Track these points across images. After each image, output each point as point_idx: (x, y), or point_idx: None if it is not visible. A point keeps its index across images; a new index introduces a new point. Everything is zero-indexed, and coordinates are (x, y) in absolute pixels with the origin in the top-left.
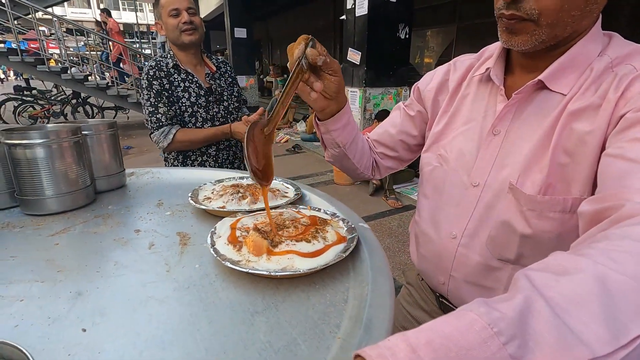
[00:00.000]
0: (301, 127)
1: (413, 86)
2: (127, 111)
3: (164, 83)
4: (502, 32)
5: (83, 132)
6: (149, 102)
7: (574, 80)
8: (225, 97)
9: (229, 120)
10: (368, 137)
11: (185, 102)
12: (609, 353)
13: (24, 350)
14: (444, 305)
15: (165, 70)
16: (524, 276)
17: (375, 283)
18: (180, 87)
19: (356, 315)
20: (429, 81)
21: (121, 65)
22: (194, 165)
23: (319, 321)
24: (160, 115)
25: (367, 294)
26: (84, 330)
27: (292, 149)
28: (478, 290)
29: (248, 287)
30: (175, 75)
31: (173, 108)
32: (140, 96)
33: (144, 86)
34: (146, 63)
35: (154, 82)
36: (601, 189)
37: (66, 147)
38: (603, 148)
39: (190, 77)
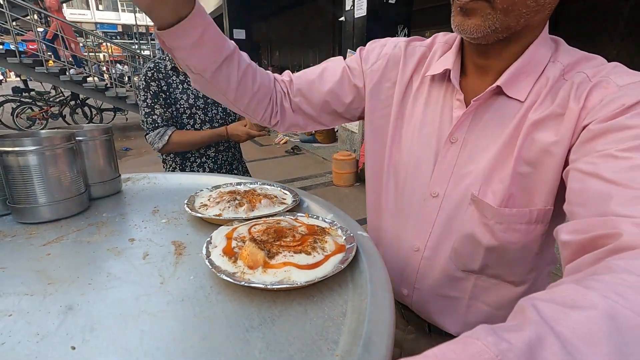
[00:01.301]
0: None
1: (358, 51)
2: (125, 112)
3: (162, 85)
4: (455, 15)
5: (77, 138)
6: (145, 104)
7: (529, 86)
8: None
9: (228, 122)
10: (283, 79)
11: (183, 104)
12: None
13: None
14: (407, 315)
15: (164, 72)
16: (531, 306)
17: (375, 296)
18: (179, 89)
19: (355, 330)
20: (374, 59)
21: (72, 47)
22: (193, 167)
23: (316, 337)
24: (156, 116)
25: (366, 308)
26: (73, 348)
27: (291, 150)
28: (443, 300)
29: (244, 301)
30: (174, 77)
31: (170, 110)
32: (137, 98)
33: (141, 87)
34: (144, 65)
35: (152, 84)
36: (580, 211)
37: (59, 154)
38: (567, 158)
39: (188, 79)
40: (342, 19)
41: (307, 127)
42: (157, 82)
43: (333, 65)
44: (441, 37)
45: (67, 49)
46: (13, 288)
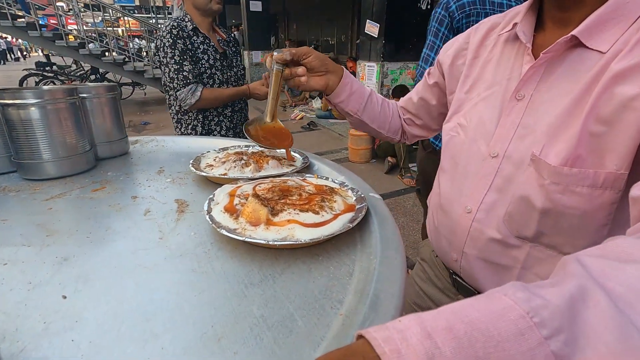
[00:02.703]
0: (316, 104)
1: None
2: (144, 87)
3: (187, 43)
4: None
5: (81, 95)
6: (173, 60)
7: (616, 35)
8: (234, 63)
9: (239, 84)
10: (398, 103)
11: (204, 64)
12: None
13: None
14: (457, 282)
15: (185, 31)
16: (575, 261)
17: (385, 256)
18: (200, 49)
19: (362, 290)
20: (449, 47)
21: None
22: (211, 125)
23: (319, 295)
24: (186, 72)
25: (375, 267)
26: (64, 297)
27: (307, 126)
28: (492, 268)
29: (245, 258)
30: (195, 38)
31: (195, 67)
32: (159, 60)
33: (167, 45)
34: (164, 23)
35: (178, 41)
36: None
37: (62, 109)
38: None
39: (207, 41)
40: None
41: (427, 135)
42: (182, 40)
43: (421, 80)
44: (516, 7)
45: None
46: (12, 239)
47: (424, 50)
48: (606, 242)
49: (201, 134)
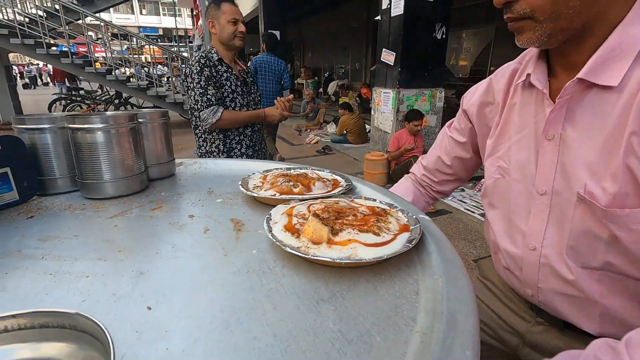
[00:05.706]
0: (331, 128)
1: (461, 104)
2: None
3: (212, 71)
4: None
5: (138, 120)
6: (199, 85)
7: (622, 70)
8: (252, 90)
9: (257, 107)
10: (421, 173)
11: (227, 89)
12: None
13: (99, 323)
14: (537, 308)
15: (212, 61)
16: None
17: (449, 275)
18: (224, 76)
19: (433, 309)
20: (471, 96)
21: None
22: (232, 144)
23: (391, 313)
24: (210, 95)
25: (442, 287)
26: (149, 308)
27: (322, 150)
28: (570, 300)
29: (309, 275)
30: (219, 67)
31: (218, 92)
32: (187, 85)
33: (194, 72)
34: (194, 54)
35: (205, 69)
36: None
37: (124, 133)
38: None
39: (230, 70)
40: (378, 18)
41: (461, 184)
42: (209, 68)
43: (442, 137)
44: (532, 49)
45: None
46: (87, 254)
47: None
48: None
49: (222, 152)
